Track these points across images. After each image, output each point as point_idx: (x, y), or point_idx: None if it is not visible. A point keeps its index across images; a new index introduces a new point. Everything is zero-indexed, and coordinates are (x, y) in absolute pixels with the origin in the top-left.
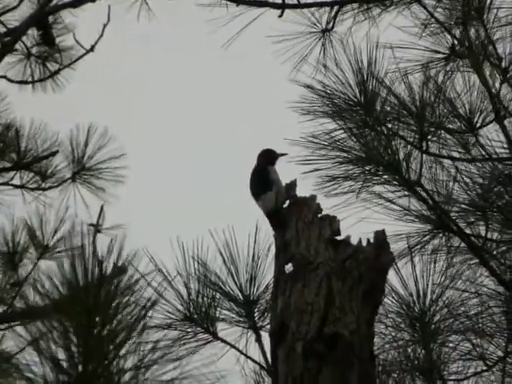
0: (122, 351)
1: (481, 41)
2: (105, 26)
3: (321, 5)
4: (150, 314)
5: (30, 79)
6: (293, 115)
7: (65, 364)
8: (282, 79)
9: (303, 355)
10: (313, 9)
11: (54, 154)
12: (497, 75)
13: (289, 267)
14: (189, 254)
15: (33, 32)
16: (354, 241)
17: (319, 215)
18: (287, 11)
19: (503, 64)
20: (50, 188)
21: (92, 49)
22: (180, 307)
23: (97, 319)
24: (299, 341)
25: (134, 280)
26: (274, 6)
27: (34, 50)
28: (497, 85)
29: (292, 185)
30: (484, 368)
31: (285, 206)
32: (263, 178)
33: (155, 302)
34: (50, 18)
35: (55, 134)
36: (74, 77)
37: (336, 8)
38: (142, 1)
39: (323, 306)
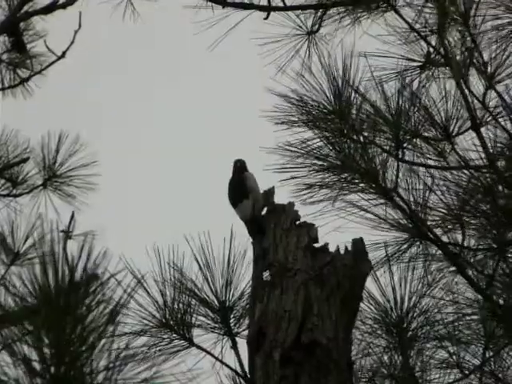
0: (95, 352)
1: (466, 46)
2: (76, 32)
3: (306, 7)
4: (122, 313)
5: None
6: (270, 124)
7: (37, 366)
8: (267, 82)
9: (281, 362)
10: (298, 11)
11: (24, 160)
12: (482, 80)
13: (267, 274)
14: (164, 260)
15: (3, 38)
16: (331, 248)
17: (297, 222)
18: (273, 14)
19: (489, 70)
20: (21, 194)
21: (63, 55)
22: (156, 313)
23: (68, 319)
24: (277, 348)
25: (104, 280)
26: (260, 8)
27: (4, 57)
28: (480, 90)
29: (270, 192)
30: (460, 376)
31: (263, 213)
32: (239, 186)
33: (127, 301)
34: (22, 25)
35: (26, 141)
36: (45, 83)
37: (321, 11)
38: (128, 2)
39: (301, 313)
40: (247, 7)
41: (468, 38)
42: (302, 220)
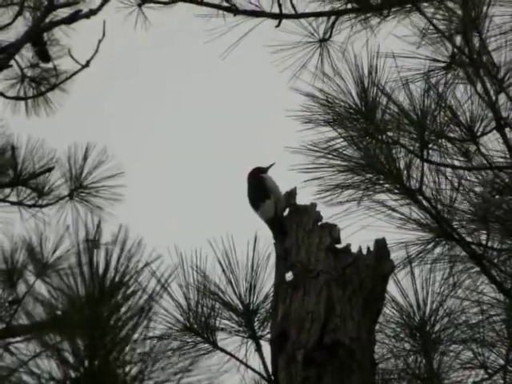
0: (129, 343)
1: (477, 51)
2: (100, 41)
3: (318, 15)
4: (155, 305)
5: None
6: (291, 124)
7: (71, 358)
8: (280, 88)
9: (303, 363)
10: (310, 18)
11: (50, 169)
12: (493, 85)
13: (289, 275)
14: (188, 263)
15: (27, 53)
16: (354, 249)
17: (319, 223)
18: (284, 21)
19: (500, 74)
20: (47, 205)
21: (88, 64)
22: (180, 317)
23: (103, 310)
24: (300, 349)
25: (139, 269)
26: (272, 15)
27: (28, 73)
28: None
29: (292, 193)
30: (485, 376)
31: (285, 213)
32: (260, 188)
33: (161, 292)
34: (45, 36)
35: (52, 151)
36: (69, 98)
37: (333, 18)
38: (139, 11)
39: (323, 314)
40: (258, 15)
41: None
42: (324, 221)
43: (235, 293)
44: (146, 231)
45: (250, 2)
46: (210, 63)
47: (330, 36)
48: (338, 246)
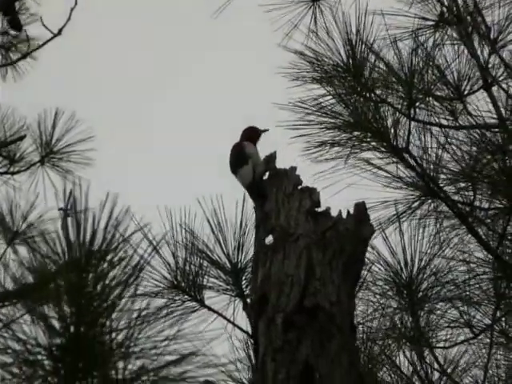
0: (116, 310)
1: (469, 12)
2: (72, 9)
3: None
4: (143, 271)
5: None
6: (282, 81)
7: (57, 325)
8: (273, 48)
9: (283, 327)
10: None
11: (21, 138)
12: (485, 46)
13: (269, 239)
14: (176, 221)
15: None
16: (334, 212)
17: (299, 187)
18: None
19: (492, 34)
20: (18, 172)
21: (60, 32)
22: (167, 275)
23: (89, 277)
24: (279, 313)
25: (126, 236)
26: None
27: None
28: (485, 55)
29: (271, 157)
30: (471, 336)
31: (264, 178)
32: (238, 153)
33: (149, 259)
34: (16, 4)
35: (23, 119)
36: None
37: None
38: None
39: (303, 278)
40: None
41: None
42: (304, 185)
43: (223, 251)
44: (133, 188)
45: None
46: (202, 22)
47: None
48: (318, 209)
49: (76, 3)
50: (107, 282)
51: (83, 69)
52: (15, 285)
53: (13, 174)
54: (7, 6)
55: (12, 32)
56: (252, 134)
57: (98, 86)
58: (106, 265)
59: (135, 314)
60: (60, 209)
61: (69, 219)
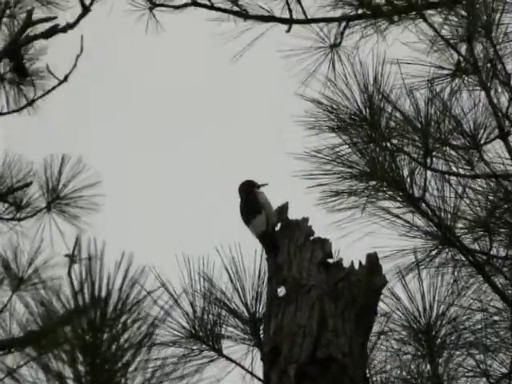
0: (130, 369)
1: (489, 58)
2: (78, 56)
3: (328, 20)
4: (157, 331)
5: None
6: (298, 130)
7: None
8: (290, 94)
9: (296, 378)
10: (321, 24)
11: (28, 184)
12: (505, 93)
13: (281, 290)
14: (195, 270)
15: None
16: (347, 263)
17: (311, 238)
18: (295, 26)
19: None
20: (25, 218)
21: (65, 79)
22: (185, 324)
23: (104, 337)
24: (292, 364)
25: (141, 296)
26: (282, 20)
27: (7, 76)
28: (505, 102)
29: (284, 208)
30: None
31: (277, 228)
32: (251, 203)
33: (164, 319)
34: (22, 49)
35: (29, 164)
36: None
37: (344, 23)
38: (150, 14)
39: (316, 329)
40: (268, 20)
41: (491, 50)
42: (321, 233)
43: (241, 300)
44: (149, 238)
45: (261, 7)
46: (220, 67)
47: (340, 41)
48: (330, 260)
49: (82, 50)
50: (122, 342)
51: (88, 115)
52: (21, 332)
53: (19, 220)
54: (13, 53)
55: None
56: (249, 189)
57: (104, 132)
58: (120, 325)
59: (150, 374)
60: (66, 255)
61: (81, 271)
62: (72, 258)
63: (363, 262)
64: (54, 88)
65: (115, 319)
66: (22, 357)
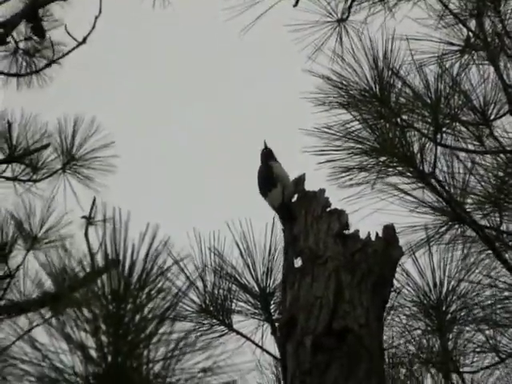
0: (153, 341)
1: (497, 32)
2: (96, 17)
3: None
4: (181, 303)
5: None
6: (308, 106)
7: (94, 354)
8: (298, 69)
9: (312, 350)
10: None
11: (45, 146)
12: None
13: (298, 261)
14: (205, 245)
15: (21, 27)
16: (362, 235)
17: (328, 209)
18: (302, 0)
19: None
20: (41, 179)
21: (84, 41)
22: (196, 299)
23: (128, 307)
24: (308, 335)
25: (166, 267)
26: None
27: (21, 45)
28: None
29: (300, 179)
30: (497, 360)
31: (293, 200)
32: (267, 176)
33: (187, 290)
34: (40, 11)
35: (44, 126)
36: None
37: None
38: None
39: (332, 300)
40: None
41: (499, 25)
42: (336, 205)
43: (252, 275)
44: (161, 206)
45: None
46: (227, 43)
47: (348, 16)
48: (347, 231)
49: (100, 11)
50: (145, 313)
51: (105, 78)
52: (38, 291)
53: (35, 181)
54: (30, 13)
55: (35, 39)
56: (264, 161)
57: (121, 93)
58: (144, 296)
59: (172, 345)
60: (83, 216)
61: (102, 234)
62: (89, 220)
63: (380, 234)
64: (73, 49)
65: (139, 290)
66: (42, 325)
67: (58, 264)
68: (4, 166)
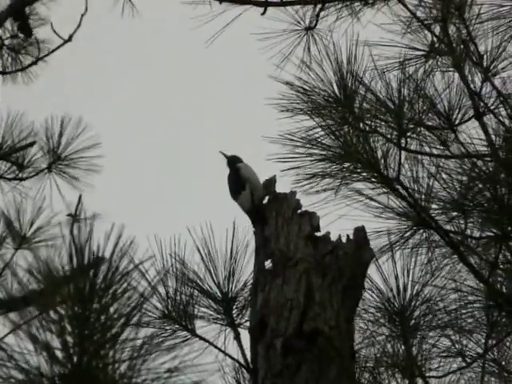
0: (118, 341)
1: (462, 39)
2: (82, 15)
3: (304, 3)
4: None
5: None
6: (272, 113)
7: (59, 354)
8: (265, 77)
9: (282, 352)
10: (296, 6)
11: (31, 144)
12: (478, 73)
13: (268, 263)
14: (166, 250)
15: (7, 24)
16: (333, 237)
17: (299, 211)
18: (270, 9)
19: (484, 62)
20: (26, 178)
21: (70, 39)
22: (158, 305)
23: (93, 307)
24: (278, 337)
25: (131, 267)
26: (257, 3)
27: (6, 42)
28: (478, 83)
29: (271, 181)
30: (463, 365)
31: (264, 201)
32: (235, 179)
33: (152, 290)
34: (27, 9)
35: (30, 124)
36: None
37: (319, 6)
38: None
39: (303, 302)
40: (244, 2)
41: (464, 31)
42: (303, 209)
43: (214, 280)
44: (126, 207)
45: None
46: (195, 51)
47: (315, 24)
48: (318, 234)
49: (86, 9)
50: (110, 313)
51: (91, 75)
52: (22, 291)
53: (21, 179)
54: (17, 11)
55: (22, 36)
56: (231, 165)
57: (105, 90)
58: (109, 296)
59: (138, 345)
60: (69, 214)
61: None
62: (74, 218)
63: (351, 237)
64: (58, 47)
65: (105, 290)
66: (7, 325)
67: (43, 263)
68: None
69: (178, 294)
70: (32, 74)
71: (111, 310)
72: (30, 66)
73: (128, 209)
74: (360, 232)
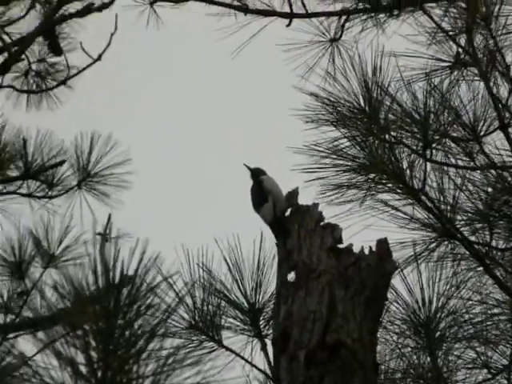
0: (142, 356)
1: (488, 49)
2: (112, 34)
3: (329, 14)
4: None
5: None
6: (297, 124)
7: (84, 369)
8: (290, 88)
9: (305, 363)
10: (321, 18)
11: (61, 163)
12: (505, 84)
13: (291, 275)
14: (194, 261)
15: (34, 47)
16: (356, 249)
17: (321, 223)
18: (295, 20)
19: (511, 73)
20: (56, 196)
21: (99, 58)
22: (185, 315)
23: (117, 323)
24: (302, 349)
25: (155, 283)
26: (282, 15)
27: (34, 66)
28: (504, 93)
29: (293, 193)
30: (489, 376)
31: (287, 214)
32: (258, 191)
33: (177, 306)
34: (57, 29)
35: (60, 142)
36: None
37: (344, 17)
38: (151, 9)
39: (326, 314)
40: (269, 14)
41: (491, 41)
42: (327, 220)
43: (241, 291)
44: (152, 225)
45: (261, 1)
46: (220, 62)
47: (340, 35)
48: (340, 246)
49: (116, 28)
50: (135, 329)
51: (122, 96)
52: (49, 310)
53: (51, 198)
54: (47, 30)
55: (52, 56)
56: (254, 178)
57: (131, 104)
58: (134, 312)
59: (162, 361)
60: (98, 233)
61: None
62: (104, 236)
63: (373, 248)
64: (87, 66)
65: (129, 305)
66: (35, 344)
67: (70, 282)
68: (19, 182)
69: (205, 304)
70: (59, 96)
71: (135, 325)
72: (58, 85)
73: (154, 217)
74: (382, 244)
